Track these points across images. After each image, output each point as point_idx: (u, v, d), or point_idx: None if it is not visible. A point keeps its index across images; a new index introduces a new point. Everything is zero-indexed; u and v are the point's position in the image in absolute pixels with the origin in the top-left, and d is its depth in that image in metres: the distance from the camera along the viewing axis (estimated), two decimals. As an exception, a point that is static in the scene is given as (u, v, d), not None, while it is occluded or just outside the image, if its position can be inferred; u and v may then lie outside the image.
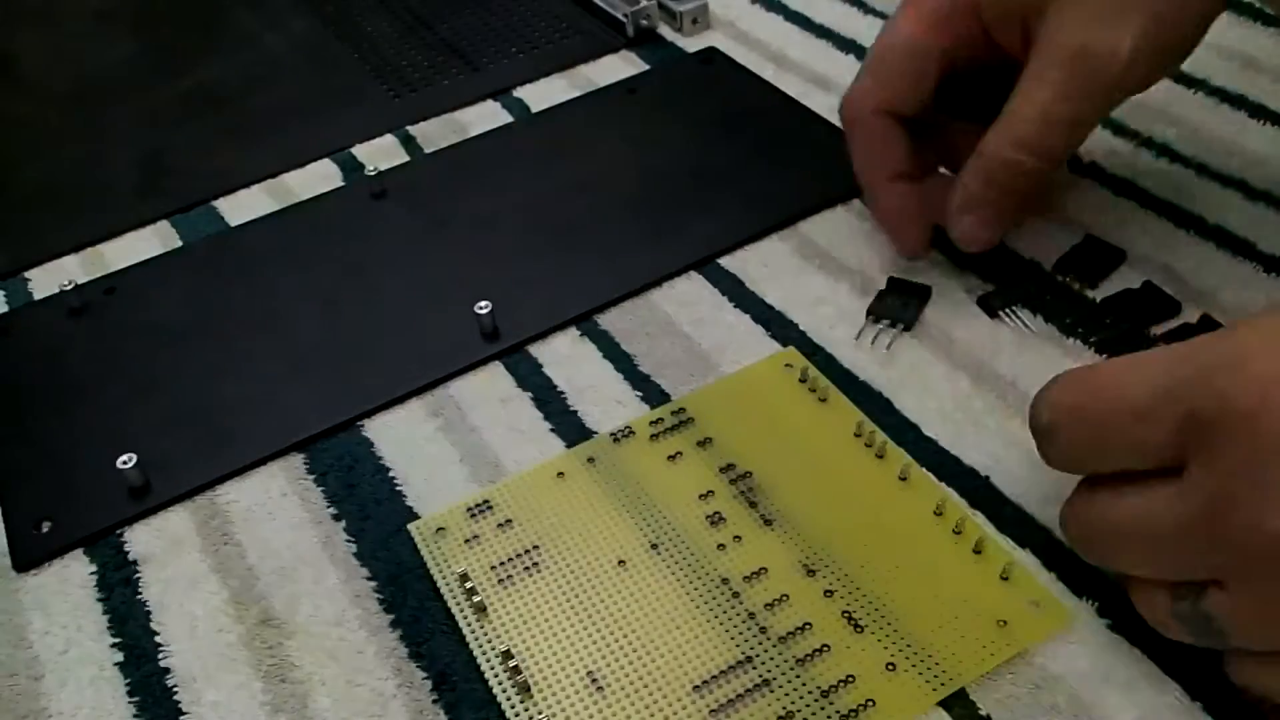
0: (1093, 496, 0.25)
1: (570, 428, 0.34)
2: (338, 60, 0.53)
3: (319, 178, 0.46)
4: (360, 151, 0.47)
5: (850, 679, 0.26)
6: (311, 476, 0.33)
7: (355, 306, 0.39)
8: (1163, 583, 0.24)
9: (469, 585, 0.29)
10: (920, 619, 0.27)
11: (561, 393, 0.35)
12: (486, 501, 0.31)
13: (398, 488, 0.33)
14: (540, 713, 0.26)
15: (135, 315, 0.40)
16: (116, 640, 0.30)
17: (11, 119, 0.52)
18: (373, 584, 0.30)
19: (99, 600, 0.31)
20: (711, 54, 0.50)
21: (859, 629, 0.27)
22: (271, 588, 0.31)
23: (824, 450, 0.32)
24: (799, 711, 0.26)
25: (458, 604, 0.29)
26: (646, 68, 0.50)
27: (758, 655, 0.27)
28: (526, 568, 0.30)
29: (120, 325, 0.39)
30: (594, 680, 0.27)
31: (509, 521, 0.31)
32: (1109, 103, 0.33)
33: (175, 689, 0.29)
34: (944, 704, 0.26)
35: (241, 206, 0.45)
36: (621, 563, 0.29)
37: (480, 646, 0.28)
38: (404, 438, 0.34)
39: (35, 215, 0.46)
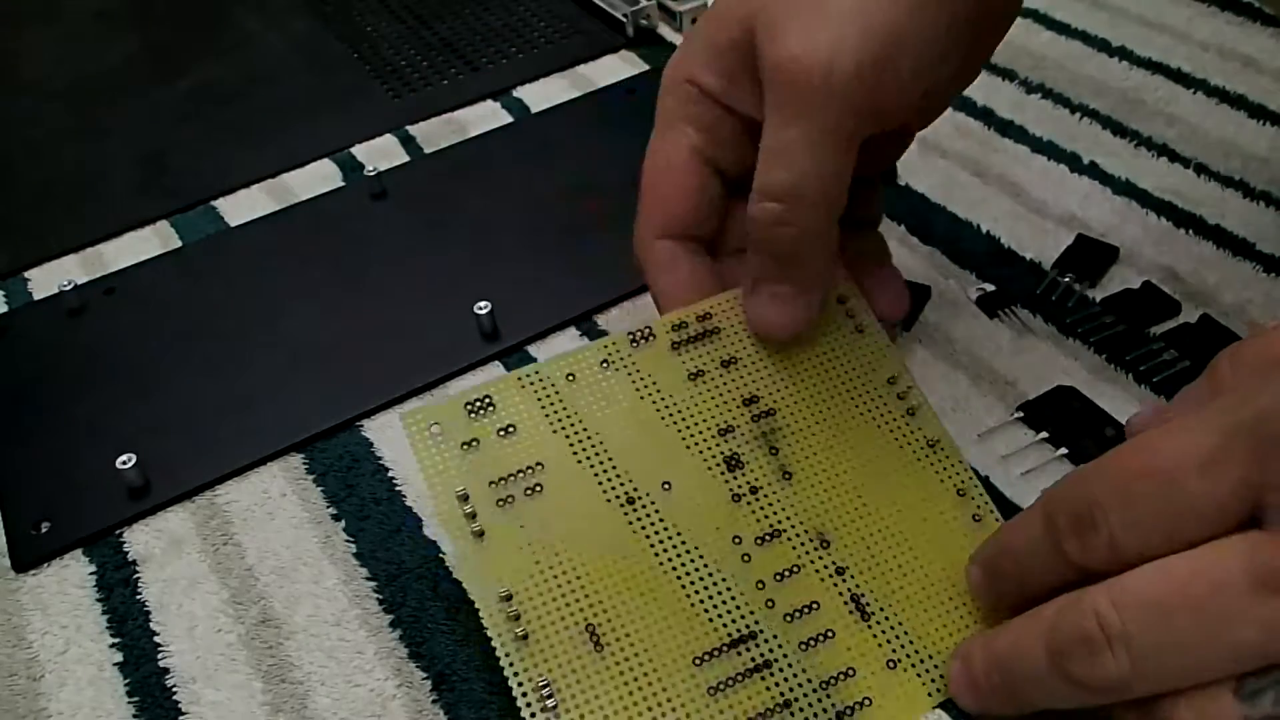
0: (1122, 581, 0.22)
1: (570, 428, 0.34)
2: (338, 60, 0.53)
3: (319, 178, 0.46)
4: (360, 151, 0.47)
5: (850, 672, 0.26)
6: (311, 476, 0.33)
7: (355, 306, 0.39)
8: (1225, 681, 0.22)
9: (467, 509, 0.27)
10: (929, 616, 0.27)
11: (561, 393, 0.35)
12: (488, 398, 0.28)
13: (397, 488, 0.33)
14: (536, 666, 0.25)
15: (135, 315, 0.40)
16: (116, 640, 0.30)
17: (11, 119, 0.52)
18: (372, 584, 0.30)
19: (98, 600, 0.31)
20: (711, 54, 0.50)
21: (866, 616, 0.27)
22: (271, 588, 0.31)
23: (854, 393, 0.30)
24: (796, 701, 0.26)
25: (457, 531, 0.27)
26: (646, 68, 0.50)
27: (762, 632, 0.26)
28: (528, 490, 0.27)
29: (120, 325, 0.39)
30: (593, 635, 0.26)
31: (511, 428, 0.28)
32: (854, 124, 0.27)
33: (175, 689, 0.29)
34: (944, 705, 0.26)
35: (241, 206, 0.45)
36: (631, 501, 0.28)
37: (478, 583, 0.26)
38: (404, 438, 0.34)
39: (35, 215, 0.46)
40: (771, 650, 0.26)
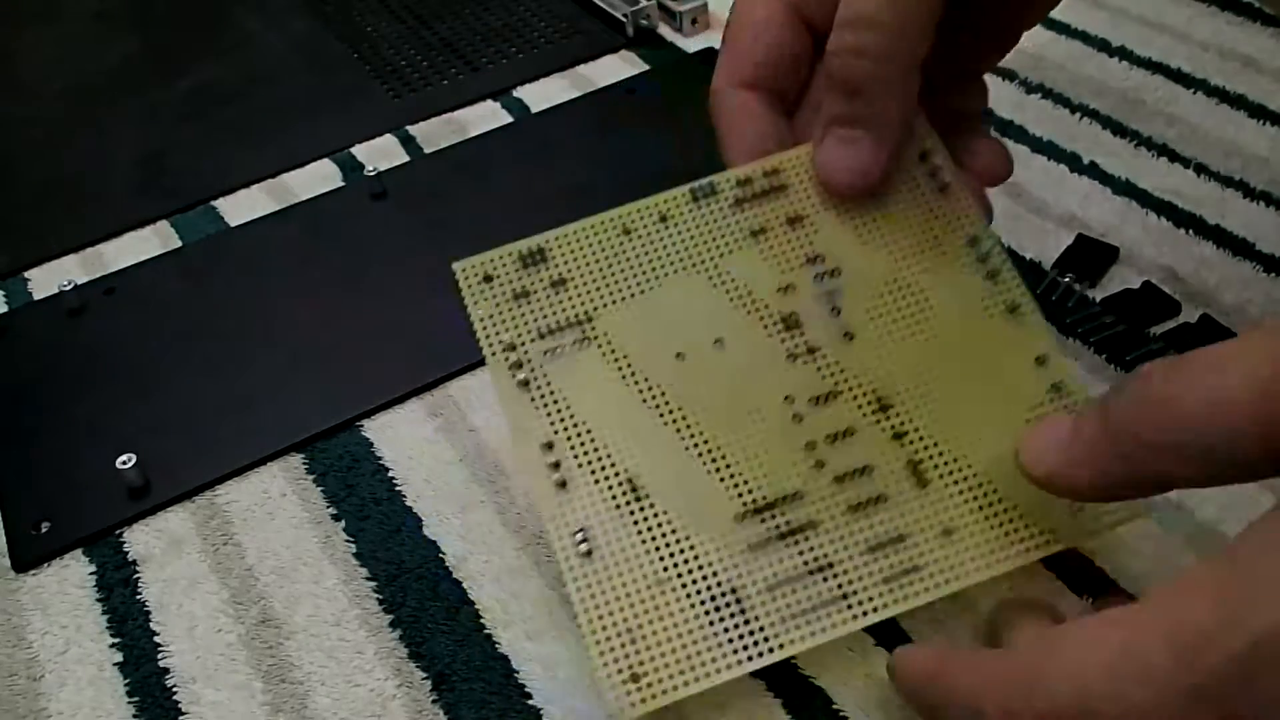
0: None
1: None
2: (338, 60, 0.53)
3: (319, 178, 0.46)
4: (360, 151, 0.47)
5: (901, 538, 0.25)
6: (311, 476, 0.33)
7: (355, 306, 0.39)
8: None
9: (514, 358, 0.27)
10: (991, 488, 0.26)
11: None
12: (542, 251, 0.28)
13: (397, 487, 0.33)
14: (573, 513, 0.25)
15: (135, 315, 0.40)
16: (116, 640, 0.30)
17: (11, 119, 0.52)
18: (372, 584, 0.30)
19: (98, 600, 0.31)
20: (711, 54, 0.50)
21: (923, 484, 0.26)
22: (271, 588, 0.31)
23: (929, 254, 0.28)
24: (839, 563, 0.25)
25: (501, 377, 0.27)
26: (646, 68, 0.50)
27: (809, 493, 0.26)
28: (576, 341, 0.27)
29: (120, 325, 0.39)
30: (634, 487, 0.26)
31: (563, 281, 0.28)
32: None
33: (175, 689, 0.29)
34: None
35: (241, 206, 0.45)
36: (680, 356, 0.27)
37: (522, 429, 0.26)
38: (404, 438, 0.34)
39: (35, 215, 0.46)
40: (818, 511, 0.25)
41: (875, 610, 0.25)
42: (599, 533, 0.25)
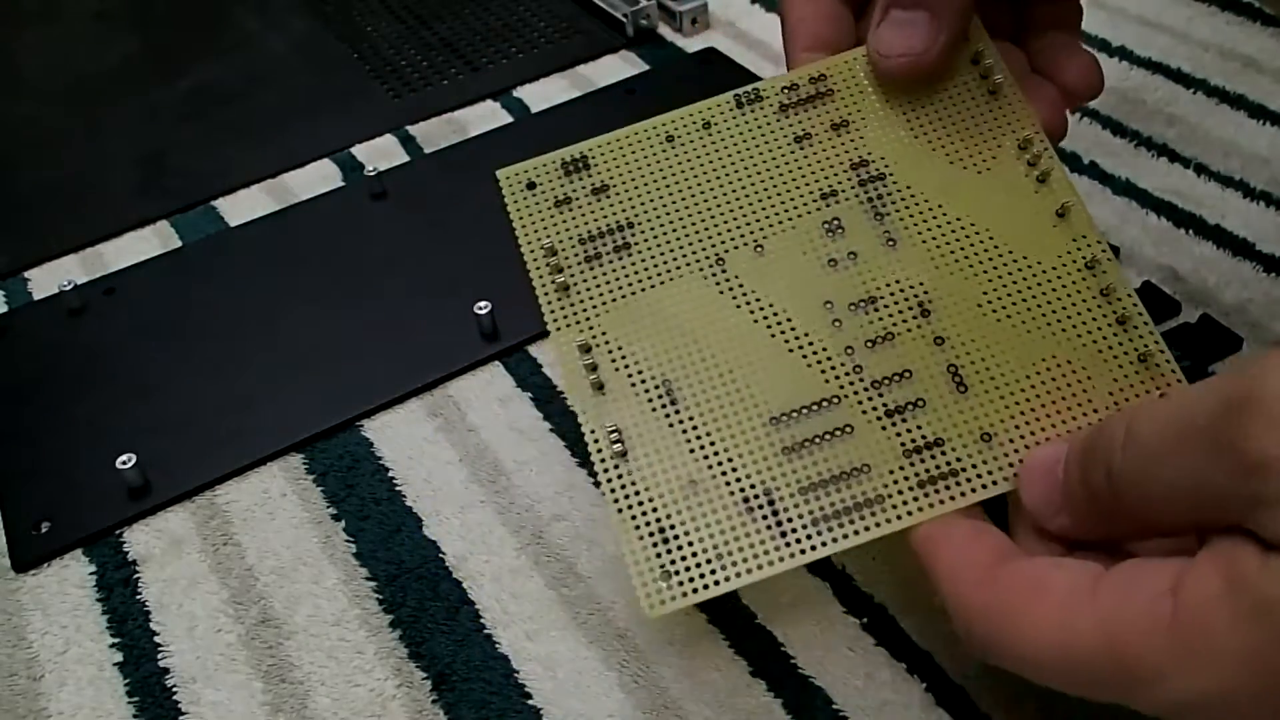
0: None
1: (571, 427, 0.34)
2: (338, 60, 0.53)
3: (319, 178, 0.46)
4: (360, 151, 0.47)
5: (939, 442, 0.25)
6: (311, 476, 0.33)
7: (355, 306, 0.39)
8: None
9: (554, 261, 0.27)
10: (1034, 394, 0.25)
11: (561, 393, 0.35)
12: (585, 158, 0.29)
13: (397, 488, 0.33)
14: (609, 415, 0.26)
15: (135, 315, 0.40)
16: (116, 640, 0.30)
17: (11, 119, 0.52)
18: (372, 584, 0.30)
19: (98, 600, 0.31)
20: (711, 54, 0.50)
21: (962, 389, 0.25)
22: (271, 588, 0.31)
23: (976, 159, 0.28)
24: (875, 466, 0.25)
25: (541, 280, 0.27)
26: (646, 68, 0.50)
27: (846, 397, 0.25)
28: (617, 247, 0.27)
29: (120, 325, 0.39)
30: (669, 391, 0.26)
31: (605, 188, 0.28)
32: None
33: (175, 689, 0.29)
34: (946, 704, 0.26)
35: (241, 206, 0.45)
36: (720, 260, 0.27)
37: (559, 331, 0.27)
38: (403, 438, 0.34)
39: (35, 215, 0.46)
40: (855, 416, 0.25)
41: (910, 514, 0.24)
42: (634, 433, 0.25)
